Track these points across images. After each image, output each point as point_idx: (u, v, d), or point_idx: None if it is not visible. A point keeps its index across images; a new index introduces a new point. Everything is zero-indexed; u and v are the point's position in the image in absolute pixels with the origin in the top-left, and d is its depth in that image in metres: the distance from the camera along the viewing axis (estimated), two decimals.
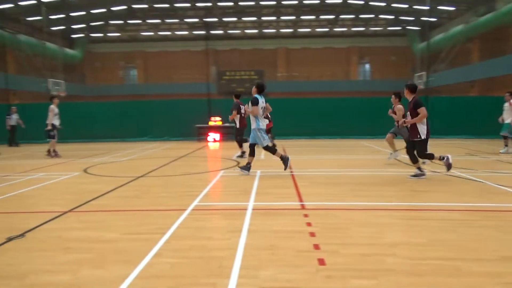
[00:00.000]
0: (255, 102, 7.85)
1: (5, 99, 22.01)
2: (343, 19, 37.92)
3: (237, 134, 11.11)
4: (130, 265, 3.30)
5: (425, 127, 6.97)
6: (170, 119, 19.00)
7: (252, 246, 3.74)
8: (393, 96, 9.09)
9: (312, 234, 4.05)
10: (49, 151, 12.18)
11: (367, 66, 41.23)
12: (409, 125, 7.17)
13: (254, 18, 37.49)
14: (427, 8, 23.66)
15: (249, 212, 4.98)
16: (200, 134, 18.28)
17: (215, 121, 18.34)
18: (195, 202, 5.58)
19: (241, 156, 11.00)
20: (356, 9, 34.49)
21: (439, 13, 31.59)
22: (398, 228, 4.30)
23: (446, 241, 3.82)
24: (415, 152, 7.20)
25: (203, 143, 16.97)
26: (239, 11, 35.63)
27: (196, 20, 37.10)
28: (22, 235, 4.22)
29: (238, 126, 11.00)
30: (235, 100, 11.07)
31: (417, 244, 3.72)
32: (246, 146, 9.43)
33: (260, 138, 7.91)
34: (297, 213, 4.98)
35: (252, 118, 7.99)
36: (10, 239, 4.07)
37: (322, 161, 10.59)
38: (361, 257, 3.41)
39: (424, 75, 24.65)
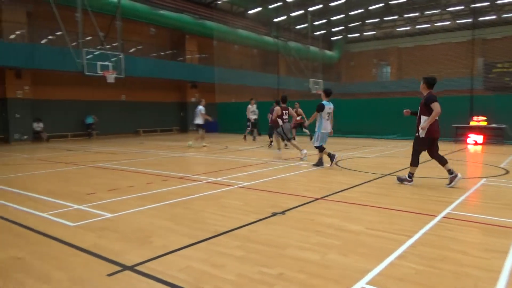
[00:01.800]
0: (321, 108, 8.71)
1: (276, 97, 26.43)
2: None
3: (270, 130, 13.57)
4: (373, 260, 3.32)
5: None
6: None
7: None
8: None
9: None
10: (254, 137, 17.55)
11: None
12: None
13: None
14: None
15: None
16: (458, 135, 16.29)
17: (479, 120, 15.91)
18: (448, 210, 5.03)
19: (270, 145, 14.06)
20: None
21: None
22: None
23: None
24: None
25: (461, 145, 15.06)
26: None
27: (461, 7, 33.11)
28: (283, 212, 4.94)
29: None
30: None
31: None
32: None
33: (315, 138, 8.97)
34: None
35: (318, 121, 8.87)
36: (274, 214, 4.84)
37: None
38: None
39: None
